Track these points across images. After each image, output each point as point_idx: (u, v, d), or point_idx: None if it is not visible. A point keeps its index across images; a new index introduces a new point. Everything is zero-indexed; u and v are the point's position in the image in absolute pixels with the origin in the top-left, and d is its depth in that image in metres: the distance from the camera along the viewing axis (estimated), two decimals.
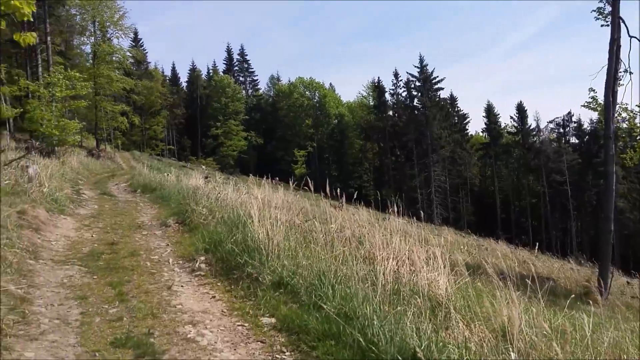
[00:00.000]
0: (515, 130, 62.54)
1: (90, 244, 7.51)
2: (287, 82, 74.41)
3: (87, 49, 41.32)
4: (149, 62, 67.05)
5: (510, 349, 3.55)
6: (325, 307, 4.13)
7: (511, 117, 62.38)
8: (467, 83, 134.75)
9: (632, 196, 50.94)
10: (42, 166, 13.14)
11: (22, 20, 3.52)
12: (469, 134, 68.88)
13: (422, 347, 3.30)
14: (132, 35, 50.78)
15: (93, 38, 39.03)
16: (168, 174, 19.56)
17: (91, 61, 39.95)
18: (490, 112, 64.77)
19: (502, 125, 66.41)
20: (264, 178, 12.20)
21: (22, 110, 28.67)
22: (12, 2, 3.21)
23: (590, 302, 9.32)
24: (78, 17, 38.31)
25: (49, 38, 34.17)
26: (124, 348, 3.70)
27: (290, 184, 9.52)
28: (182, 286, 5.52)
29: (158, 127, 61.73)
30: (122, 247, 7.40)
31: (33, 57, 33.70)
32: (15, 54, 36.41)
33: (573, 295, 7.88)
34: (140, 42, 64.59)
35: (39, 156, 17.93)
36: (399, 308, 4.05)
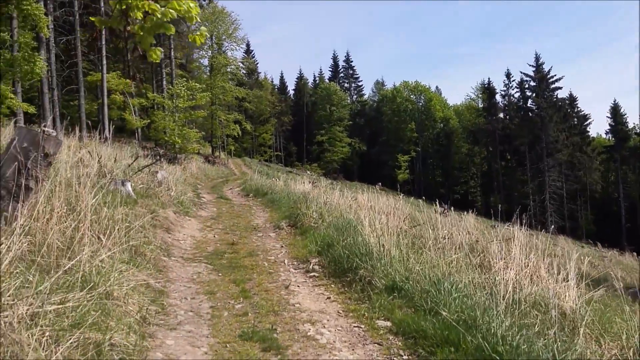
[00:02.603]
0: None
1: (213, 244, 8.10)
2: (391, 87, 74.14)
3: (205, 62, 44.60)
4: (259, 72, 70.80)
5: None
6: (443, 313, 4.08)
7: None
8: (589, 82, 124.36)
9: None
10: (168, 172, 14.39)
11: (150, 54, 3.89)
12: (591, 136, 63.33)
13: None
14: (244, 46, 53.92)
15: (210, 51, 42.02)
16: (277, 179, 20.44)
17: (208, 73, 43.06)
18: (616, 112, 59.07)
19: (631, 126, 60.25)
20: (367, 184, 12.30)
21: (149, 120, 31.72)
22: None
23: None
24: (197, 23, 41.41)
25: (172, 53, 37.41)
26: (251, 341, 3.96)
27: (397, 190, 9.49)
28: (298, 286, 5.76)
29: (267, 135, 64.72)
30: (241, 247, 7.89)
31: (158, 71, 37.10)
32: (144, 70, 40.25)
33: None
34: (252, 53, 68.33)
35: (165, 162, 19.68)
36: (525, 320, 3.88)
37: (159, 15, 3.51)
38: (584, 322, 4.29)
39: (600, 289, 4.90)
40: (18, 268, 3.52)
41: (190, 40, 3.93)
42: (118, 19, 3.60)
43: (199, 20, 3.83)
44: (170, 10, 3.49)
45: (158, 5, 3.53)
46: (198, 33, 3.84)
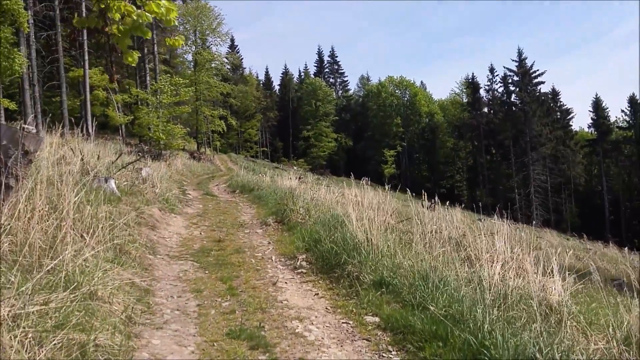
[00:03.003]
0: (627, 125, 57.24)
1: (200, 241, 8.03)
2: (377, 82, 74.28)
3: (189, 57, 44.22)
4: (244, 68, 70.40)
5: None
6: (431, 308, 4.09)
7: (622, 111, 57.34)
8: (571, 77, 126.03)
9: None
10: (153, 169, 14.24)
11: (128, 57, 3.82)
12: (573, 130, 64.14)
13: (544, 353, 3.16)
14: (229, 42, 53.54)
15: (194, 46, 41.65)
16: (263, 175, 20.35)
17: (192, 68, 42.70)
18: (598, 107, 59.85)
19: (612, 119, 61.14)
20: (353, 178, 12.28)
21: (132, 117, 31.37)
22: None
23: None
24: (181, 27, 41.04)
25: (155, 48, 36.99)
26: (239, 339, 3.92)
27: (385, 185, 9.51)
28: (285, 283, 5.74)
29: (252, 130, 64.43)
30: (228, 244, 7.84)
31: (142, 66, 36.66)
32: (127, 65, 39.73)
33: None
34: (237, 48, 67.89)
35: (149, 159, 19.48)
36: (511, 312, 3.91)
37: (135, 17, 3.44)
38: (569, 315, 4.34)
39: (577, 282, 4.94)
40: None
41: (168, 44, 3.86)
42: (96, 19, 3.53)
43: (177, 24, 3.78)
44: (146, 13, 3.41)
45: (134, 8, 3.46)
46: (176, 38, 3.78)
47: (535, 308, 4.13)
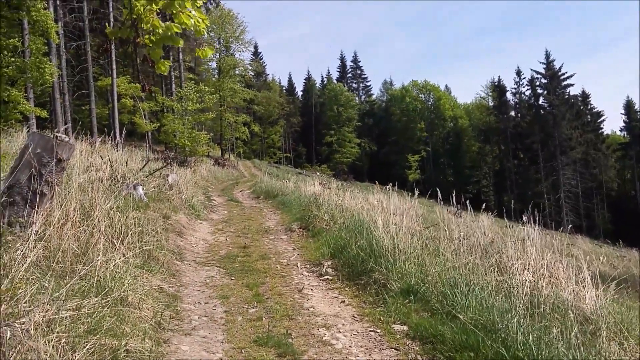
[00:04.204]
0: None
1: (225, 247, 8.09)
2: (400, 87, 73.98)
3: (213, 64, 44.79)
4: (267, 74, 70.99)
5: None
6: (460, 317, 4.01)
7: None
8: (602, 78, 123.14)
9: None
10: (179, 175, 14.44)
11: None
12: (605, 133, 62.57)
13: None
14: (252, 49, 54.04)
15: (218, 54, 42.20)
16: (287, 181, 20.42)
17: (217, 75, 43.26)
18: (630, 109, 58.32)
19: None
20: (377, 184, 12.19)
21: (159, 124, 31.93)
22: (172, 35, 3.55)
23: None
24: (205, 35, 41.62)
25: (180, 56, 37.63)
26: (266, 347, 3.92)
27: (409, 190, 9.43)
28: (311, 290, 5.72)
29: (275, 136, 64.84)
30: (253, 250, 7.87)
31: (168, 74, 37.30)
32: (152, 73, 40.50)
33: None
34: (260, 55, 68.52)
35: (175, 166, 19.76)
36: (544, 323, 3.80)
37: (161, 32, 3.49)
38: (605, 325, 4.20)
39: (612, 290, 4.78)
40: (34, 274, 3.52)
41: (197, 54, 3.91)
42: (128, 30, 3.59)
43: (206, 34, 3.83)
44: (175, 24, 3.46)
45: (160, 22, 3.51)
46: (203, 49, 3.82)
47: (571, 318, 4.00)
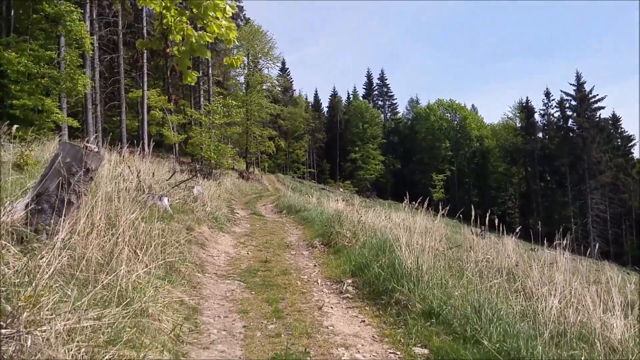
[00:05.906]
0: None
1: (247, 261, 8.09)
2: (425, 105, 73.73)
3: (241, 79, 45.54)
4: (294, 90, 71.70)
5: None
6: (484, 342, 3.90)
7: None
8: (633, 102, 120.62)
9: None
10: (203, 187, 14.58)
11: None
12: (635, 158, 60.97)
13: None
14: (279, 64, 54.80)
15: (247, 69, 42.89)
16: (310, 197, 20.42)
17: (244, 90, 43.92)
18: None
19: None
20: (403, 202, 12.06)
21: (186, 136, 32.48)
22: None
23: None
24: (235, 50, 42.44)
25: (210, 70, 38.35)
26: None
27: (434, 209, 9.32)
28: (331, 308, 5.65)
29: (300, 151, 65.19)
30: (274, 265, 7.84)
31: (196, 87, 38.05)
32: (182, 87, 41.39)
33: None
34: (287, 70, 69.34)
35: (200, 178, 20.00)
36: (571, 352, 3.66)
37: (194, 40, 3.55)
38: (633, 356, 4.03)
39: None
40: (57, 282, 3.56)
41: (225, 62, 3.96)
42: (158, 41, 3.67)
43: (236, 43, 3.90)
44: (207, 34, 3.52)
45: (193, 31, 3.58)
46: (235, 57, 3.87)
47: (597, 347, 3.85)
